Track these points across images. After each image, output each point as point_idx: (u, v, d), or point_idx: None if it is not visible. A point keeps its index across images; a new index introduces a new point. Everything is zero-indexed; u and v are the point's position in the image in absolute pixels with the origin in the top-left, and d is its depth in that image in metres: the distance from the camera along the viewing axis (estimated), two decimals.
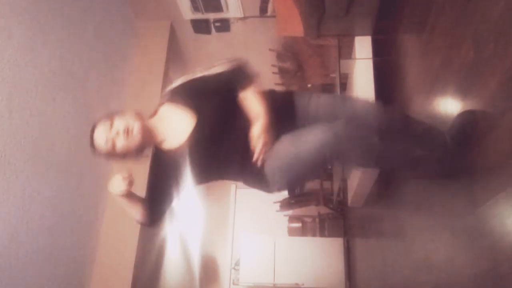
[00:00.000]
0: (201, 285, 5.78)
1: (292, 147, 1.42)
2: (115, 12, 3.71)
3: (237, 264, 5.50)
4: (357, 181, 3.09)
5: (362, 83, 2.95)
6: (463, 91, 1.65)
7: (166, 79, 4.07)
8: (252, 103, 1.45)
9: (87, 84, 3.20)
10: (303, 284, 4.85)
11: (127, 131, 1.41)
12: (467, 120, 1.50)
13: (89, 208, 3.28)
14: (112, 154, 1.45)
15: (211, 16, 4.05)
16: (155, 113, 1.57)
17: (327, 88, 4.28)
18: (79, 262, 3.14)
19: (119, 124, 1.43)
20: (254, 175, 1.48)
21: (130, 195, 1.55)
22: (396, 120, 1.61)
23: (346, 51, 3.39)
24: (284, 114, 1.53)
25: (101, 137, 1.44)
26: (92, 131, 1.48)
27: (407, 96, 2.42)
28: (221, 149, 1.47)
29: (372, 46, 3.17)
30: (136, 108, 1.53)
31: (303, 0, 3.07)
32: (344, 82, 3.68)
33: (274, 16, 3.78)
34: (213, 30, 4.17)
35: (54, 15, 2.79)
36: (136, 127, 1.43)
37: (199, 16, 4.04)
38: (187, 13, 4.01)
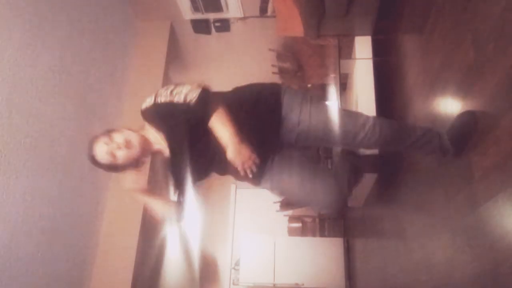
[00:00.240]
0: (201, 285, 5.78)
1: (293, 190, 1.67)
2: (115, 12, 3.71)
3: (237, 264, 5.50)
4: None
5: (362, 83, 2.95)
6: (463, 91, 1.65)
7: (166, 79, 4.07)
8: (219, 132, 1.50)
9: (87, 84, 3.20)
10: (303, 284, 4.85)
11: (127, 143, 1.51)
12: (466, 121, 1.53)
13: (89, 208, 3.28)
14: (114, 165, 1.53)
15: (211, 16, 4.04)
16: (143, 126, 1.65)
17: (327, 89, 4.27)
18: (79, 262, 3.14)
19: (119, 137, 1.52)
20: (248, 179, 1.57)
21: (151, 193, 1.65)
22: (390, 134, 1.67)
23: (346, 51, 3.39)
24: (268, 121, 1.62)
25: (102, 150, 1.51)
26: (91, 146, 1.53)
27: (407, 96, 2.42)
28: (201, 159, 1.59)
29: (372, 46, 3.17)
30: (127, 126, 1.62)
31: (303, 0, 3.07)
32: (344, 82, 3.68)
33: (274, 16, 3.78)
34: (213, 30, 4.17)
35: (54, 15, 2.79)
36: (134, 138, 1.54)
37: (199, 16, 4.03)
38: (187, 13, 4.01)
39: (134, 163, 1.56)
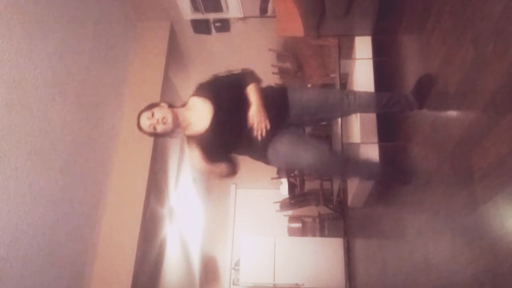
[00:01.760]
0: (201, 285, 5.79)
1: (290, 153, 2.02)
2: (115, 12, 3.71)
3: (237, 264, 5.50)
4: (357, 181, 3.09)
5: (362, 83, 2.95)
6: (463, 91, 1.65)
7: (166, 79, 4.07)
8: (251, 95, 1.98)
9: (87, 84, 3.20)
10: (303, 284, 4.85)
11: (163, 119, 1.93)
12: (424, 81, 2.05)
13: (89, 208, 3.28)
14: (154, 134, 1.99)
15: (211, 16, 4.05)
16: (185, 103, 2.07)
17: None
18: (79, 262, 3.14)
19: (158, 114, 1.94)
20: (258, 151, 2.03)
21: (210, 163, 2.02)
22: (366, 97, 2.20)
23: (346, 51, 3.39)
24: (279, 105, 2.06)
25: (145, 123, 1.96)
26: (138, 117, 1.99)
27: None
28: (234, 131, 1.99)
29: (372, 46, 3.17)
30: (169, 100, 2.08)
31: (303, 0, 3.07)
32: (344, 82, 3.68)
33: (274, 16, 3.78)
34: (213, 30, 4.17)
35: (54, 15, 2.79)
36: (169, 117, 1.94)
37: (199, 16, 4.04)
38: (187, 13, 4.01)
39: (169, 134, 2.01)
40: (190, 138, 2.01)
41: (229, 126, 1.98)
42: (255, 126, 1.91)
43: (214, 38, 4.28)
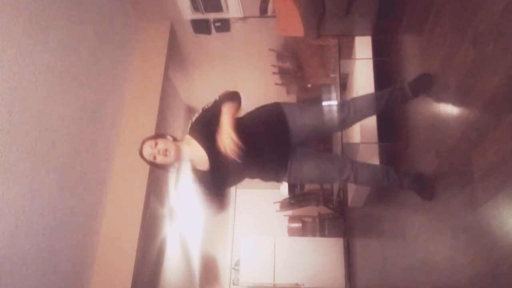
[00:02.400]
0: (201, 285, 5.78)
1: (316, 167, 2.04)
2: (115, 12, 3.71)
3: (237, 264, 5.50)
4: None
5: (362, 83, 2.95)
6: (463, 91, 1.65)
7: (166, 79, 4.07)
8: (221, 118, 1.90)
9: (87, 84, 3.20)
10: (303, 284, 4.86)
11: (165, 152, 1.92)
12: (423, 77, 2.06)
13: (89, 208, 3.28)
14: (152, 163, 1.99)
15: (211, 16, 4.04)
16: (183, 137, 2.08)
17: (326, 89, 4.28)
18: (79, 262, 3.14)
19: (161, 145, 1.93)
20: (273, 172, 2.07)
21: None
22: (367, 99, 2.22)
23: (346, 51, 3.39)
24: (278, 127, 2.04)
25: (147, 151, 1.95)
26: (142, 144, 1.98)
27: None
28: (234, 165, 1.90)
29: (372, 46, 3.17)
30: (171, 134, 2.06)
31: (303, 0, 3.07)
32: (344, 82, 3.68)
33: (274, 16, 3.78)
34: (213, 30, 4.16)
35: (54, 15, 2.79)
36: (172, 151, 1.93)
37: (199, 16, 4.03)
38: (187, 13, 4.01)
39: (166, 167, 2.01)
40: (196, 172, 2.02)
41: (227, 164, 1.92)
42: (226, 150, 1.83)
43: (214, 38, 4.28)
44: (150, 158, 1.95)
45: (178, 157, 1.96)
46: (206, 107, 2.04)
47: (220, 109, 1.93)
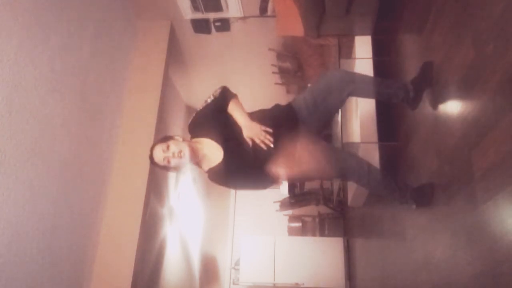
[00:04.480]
0: (201, 285, 5.79)
1: (333, 158, 1.96)
2: (115, 12, 3.71)
3: (237, 264, 5.50)
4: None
5: None
6: (463, 91, 1.65)
7: (166, 79, 4.07)
8: (234, 115, 1.93)
9: (87, 84, 3.20)
10: (303, 284, 4.86)
11: (180, 154, 1.86)
12: (424, 69, 1.99)
13: (89, 208, 3.28)
14: (166, 167, 1.92)
15: (211, 15, 4.04)
16: (187, 138, 2.01)
17: None
18: (79, 262, 3.14)
19: (174, 148, 1.86)
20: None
21: None
22: (372, 82, 2.11)
23: (346, 51, 3.39)
24: (289, 122, 1.99)
25: (159, 156, 1.88)
26: (152, 149, 1.92)
27: None
28: (248, 153, 1.90)
29: (372, 46, 3.17)
30: (181, 134, 2.01)
31: (303, 0, 3.07)
32: None
33: (274, 16, 3.78)
34: (213, 29, 4.16)
35: (54, 15, 2.79)
36: (186, 151, 1.87)
37: (199, 15, 4.03)
38: (187, 12, 4.01)
39: (180, 169, 1.94)
40: (210, 171, 1.96)
41: (242, 151, 1.92)
42: (256, 141, 1.86)
43: (214, 38, 4.28)
44: (164, 163, 1.88)
45: (192, 155, 1.90)
46: (201, 107, 2.01)
47: (224, 106, 1.93)
